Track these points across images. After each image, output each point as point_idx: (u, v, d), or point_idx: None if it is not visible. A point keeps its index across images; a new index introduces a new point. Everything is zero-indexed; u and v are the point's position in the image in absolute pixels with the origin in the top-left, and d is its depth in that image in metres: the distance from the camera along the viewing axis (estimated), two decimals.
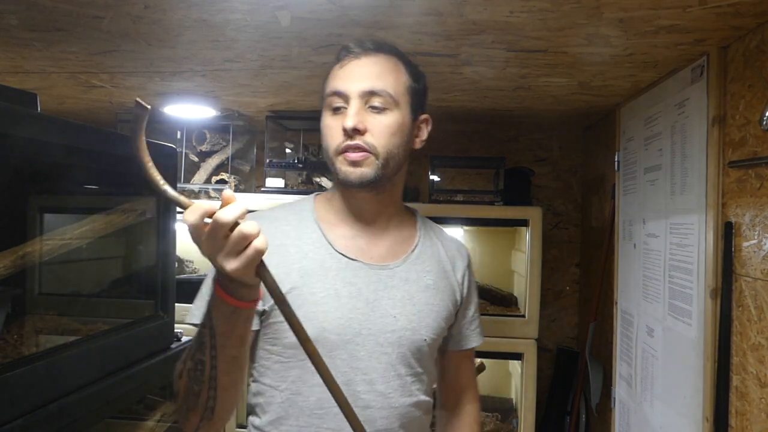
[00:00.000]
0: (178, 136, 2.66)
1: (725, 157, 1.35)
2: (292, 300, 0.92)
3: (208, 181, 2.66)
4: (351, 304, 0.96)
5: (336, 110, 0.97)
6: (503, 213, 2.31)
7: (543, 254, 2.27)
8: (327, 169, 1.03)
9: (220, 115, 2.51)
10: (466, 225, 2.54)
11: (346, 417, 0.81)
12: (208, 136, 2.68)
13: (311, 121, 2.36)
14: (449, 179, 2.79)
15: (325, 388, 0.93)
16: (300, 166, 2.50)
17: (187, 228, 0.69)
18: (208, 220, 0.69)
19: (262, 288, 0.76)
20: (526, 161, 2.81)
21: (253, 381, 1.02)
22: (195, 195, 2.54)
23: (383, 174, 0.96)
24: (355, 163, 0.95)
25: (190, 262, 2.69)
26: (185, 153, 2.71)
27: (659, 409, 1.66)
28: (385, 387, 0.96)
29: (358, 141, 0.94)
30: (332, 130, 0.97)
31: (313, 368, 0.93)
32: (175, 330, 1.55)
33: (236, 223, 0.68)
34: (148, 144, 0.74)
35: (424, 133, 1.06)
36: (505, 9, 1.18)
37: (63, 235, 1.39)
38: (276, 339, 0.96)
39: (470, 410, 1.19)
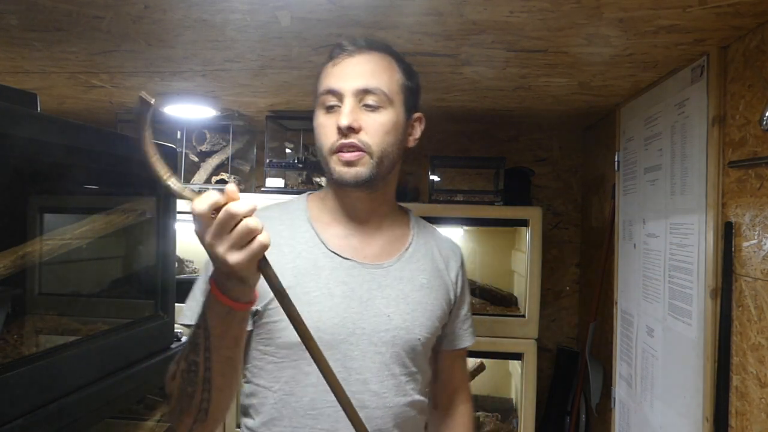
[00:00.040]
0: (178, 136, 2.66)
1: (725, 157, 1.35)
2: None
3: (208, 181, 2.66)
4: (345, 304, 0.96)
5: (330, 109, 0.97)
6: (503, 213, 2.31)
7: (543, 254, 2.27)
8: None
9: (220, 115, 2.51)
10: (466, 225, 2.54)
11: (348, 415, 0.80)
12: (208, 136, 2.68)
13: (311, 121, 2.35)
14: (449, 179, 2.79)
15: (318, 389, 0.93)
16: (300, 166, 2.50)
17: (192, 217, 0.69)
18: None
19: (257, 289, 0.76)
20: (526, 161, 2.81)
21: (246, 382, 1.01)
22: (195, 195, 2.53)
23: (378, 173, 0.96)
24: (349, 163, 0.94)
25: (190, 262, 2.69)
26: (185, 153, 2.72)
27: (659, 409, 1.66)
28: (379, 386, 0.96)
29: (352, 139, 0.93)
30: (326, 128, 0.96)
31: (306, 368, 0.93)
32: (175, 330, 1.55)
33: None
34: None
35: (418, 131, 1.06)
36: (505, 9, 1.18)
37: (63, 235, 1.39)
38: (269, 339, 0.96)
39: (464, 410, 1.19)
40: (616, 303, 2.08)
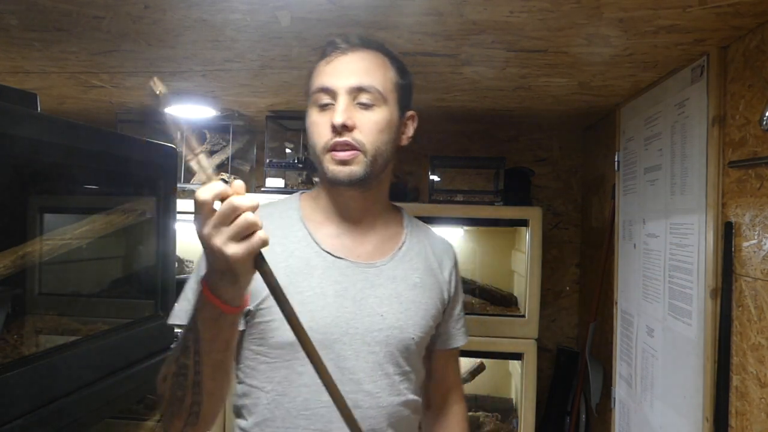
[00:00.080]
0: (179, 136, 2.66)
1: (725, 157, 1.35)
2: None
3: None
4: (338, 303, 0.95)
5: (323, 107, 0.96)
6: (503, 213, 2.30)
7: (543, 254, 2.27)
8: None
9: (220, 115, 2.51)
10: (466, 225, 2.54)
11: (343, 415, 0.80)
12: (208, 136, 2.68)
13: None
14: (449, 179, 2.79)
15: (311, 389, 0.92)
16: (300, 166, 2.50)
17: (194, 206, 0.68)
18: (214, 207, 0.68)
19: (250, 289, 0.75)
20: (526, 161, 2.81)
21: (239, 382, 1.00)
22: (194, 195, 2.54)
23: (371, 171, 0.95)
24: (343, 162, 0.94)
25: (190, 262, 2.69)
26: (185, 153, 2.71)
27: (659, 409, 1.66)
28: (372, 386, 0.95)
29: (346, 138, 0.93)
30: (319, 126, 0.95)
31: (299, 369, 0.93)
32: (175, 330, 1.55)
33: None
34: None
35: (411, 129, 1.05)
36: (505, 9, 1.18)
37: (63, 235, 1.39)
38: (262, 339, 0.95)
39: (458, 410, 1.18)
40: (616, 303, 2.08)
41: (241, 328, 0.95)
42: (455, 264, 1.14)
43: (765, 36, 1.20)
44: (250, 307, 0.94)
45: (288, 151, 2.66)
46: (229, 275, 0.70)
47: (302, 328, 0.74)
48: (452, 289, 1.11)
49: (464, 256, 2.71)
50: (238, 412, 1.00)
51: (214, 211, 0.67)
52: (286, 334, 0.91)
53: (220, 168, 2.72)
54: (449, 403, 1.18)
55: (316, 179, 2.61)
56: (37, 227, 1.36)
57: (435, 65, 1.62)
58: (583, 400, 2.51)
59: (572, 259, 2.85)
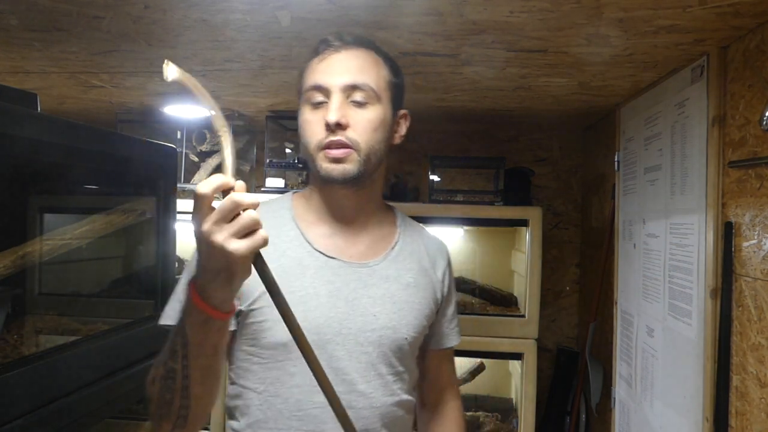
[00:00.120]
0: (178, 136, 2.66)
1: (725, 157, 1.35)
2: (271, 300, 0.91)
3: None
4: (330, 303, 0.94)
5: (316, 105, 0.95)
6: (503, 213, 2.30)
7: (543, 254, 2.27)
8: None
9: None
10: (466, 225, 2.54)
11: (337, 415, 0.79)
12: (208, 136, 2.68)
13: None
14: (449, 179, 2.79)
15: (303, 390, 0.91)
16: (300, 166, 2.50)
17: (194, 201, 0.66)
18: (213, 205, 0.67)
19: (241, 289, 0.74)
20: (526, 161, 2.81)
21: (231, 383, 0.99)
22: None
23: (365, 170, 0.95)
24: (337, 160, 0.93)
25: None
26: (185, 153, 2.72)
27: (659, 409, 1.66)
28: (366, 387, 0.95)
29: (340, 136, 0.92)
30: (313, 125, 0.94)
31: (291, 369, 0.92)
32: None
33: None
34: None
35: (403, 128, 1.05)
36: (505, 9, 1.18)
37: (63, 235, 1.39)
38: (254, 340, 0.94)
39: (453, 407, 1.18)
40: (616, 303, 2.08)
41: (232, 328, 0.94)
42: (449, 263, 1.13)
43: (765, 36, 1.20)
44: (242, 307, 0.93)
45: (288, 151, 2.66)
46: (225, 275, 0.68)
47: (300, 329, 0.74)
48: (445, 289, 1.11)
49: (464, 256, 2.71)
50: (231, 413, 0.99)
51: (213, 207, 0.66)
52: (278, 334, 0.91)
53: (220, 168, 2.72)
54: (444, 401, 1.18)
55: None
56: (37, 227, 1.36)
57: (435, 65, 1.62)
58: (583, 400, 2.51)
59: (572, 259, 2.85)
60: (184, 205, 1.85)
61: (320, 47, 0.98)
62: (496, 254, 2.72)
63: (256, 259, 0.69)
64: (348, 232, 1.02)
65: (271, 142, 2.55)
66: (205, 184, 0.65)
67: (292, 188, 2.55)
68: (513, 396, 2.66)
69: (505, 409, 2.54)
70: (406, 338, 0.99)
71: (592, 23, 1.24)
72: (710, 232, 1.37)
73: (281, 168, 2.53)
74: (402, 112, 1.04)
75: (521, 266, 2.41)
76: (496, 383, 2.73)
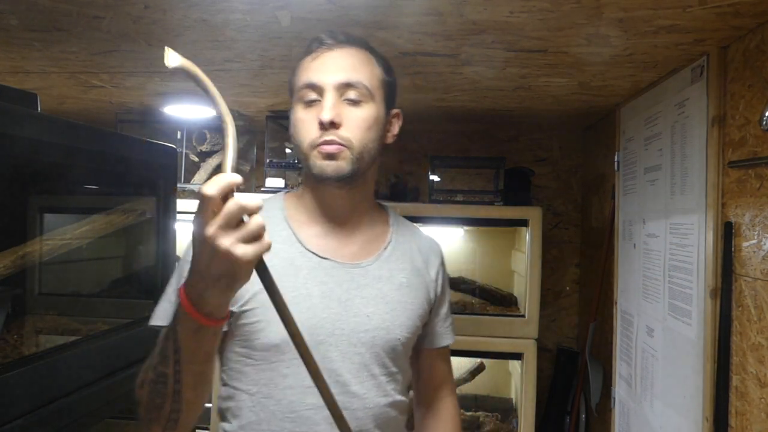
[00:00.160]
0: (178, 136, 2.66)
1: (725, 157, 1.35)
2: (263, 300, 0.87)
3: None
4: (323, 304, 0.94)
5: (309, 103, 0.94)
6: (503, 213, 2.30)
7: (543, 254, 2.27)
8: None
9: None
10: (466, 225, 2.54)
11: (333, 416, 0.79)
12: (208, 136, 2.68)
13: None
14: (449, 179, 2.79)
15: (296, 391, 0.91)
16: (300, 166, 2.50)
17: (199, 203, 0.63)
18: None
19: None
20: (526, 161, 2.81)
21: (223, 385, 0.98)
22: (195, 195, 2.54)
23: (358, 168, 0.94)
24: (330, 156, 0.92)
25: None
26: (185, 153, 2.72)
27: (659, 409, 1.66)
28: (359, 388, 0.94)
29: (333, 135, 0.91)
30: (306, 123, 0.94)
31: (284, 371, 0.91)
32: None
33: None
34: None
35: (396, 127, 1.04)
36: (505, 9, 1.18)
37: (63, 235, 1.39)
38: (246, 341, 0.93)
39: (449, 403, 1.17)
40: (616, 303, 2.08)
41: (224, 329, 0.92)
42: (442, 263, 1.12)
43: (765, 36, 1.20)
44: (234, 308, 0.92)
45: (288, 151, 2.66)
46: (227, 280, 0.66)
47: (300, 335, 0.73)
48: (439, 289, 1.10)
49: (464, 256, 2.71)
50: (223, 415, 0.98)
51: (218, 210, 0.63)
52: (271, 335, 0.90)
53: (220, 168, 2.72)
54: (439, 398, 1.17)
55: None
56: (37, 227, 1.36)
57: (435, 65, 1.62)
58: (583, 400, 2.51)
59: (572, 259, 2.85)
60: (184, 205, 1.86)
61: (313, 45, 0.97)
62: (496, 254, 2.72)
63: (258, 264, 0.68)
64: (341, 233, 1.01)
65: (271, 142, 2.55)
66: (211, 186, 0.62)
67: (292, 188, 2.55)
68: (513, 396, 2.66)
69: (505, 409, 2.54)
70: (399, 339, 0.98)
71: (592, 23, 1.24)
72: (710, 232, 1.37)
73: (281, 168, 2.54)
74: (395, 111, 1.03)
75: (521, 266, 2.41)
76: (496, 383, 2.73)
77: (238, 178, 0.63)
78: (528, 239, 2.25)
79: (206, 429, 2.18)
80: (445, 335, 1.14)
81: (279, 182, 2.50)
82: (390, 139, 1.03)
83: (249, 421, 0.93)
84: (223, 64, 1.68)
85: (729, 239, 1.30)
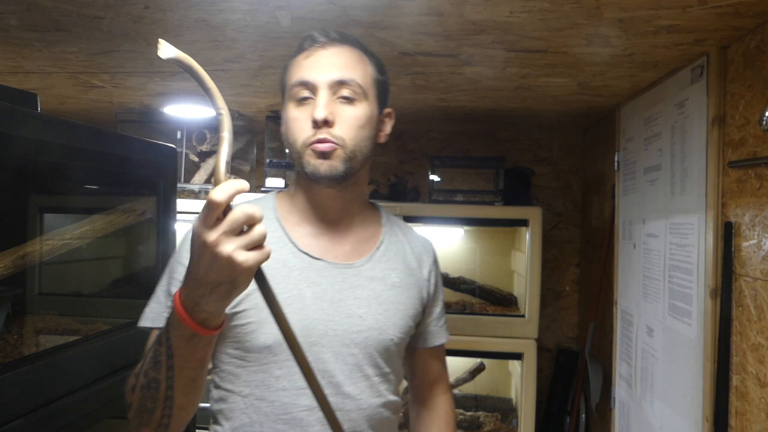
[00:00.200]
0: (178, 136, 2.67)
1: (725, 157, 1.35)
2: (256, 302, 0.89)
3: (208, 181, 2.66)
4: (316, 305, 0.93)
5: (302, 101, 0.93)
6: (503, 213, 2.31)
7: (543, 254, 2.27)
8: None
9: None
10: (466, 225, 2.54)
11: (327, 419, 0.79)
12: (208, 136, 2.68)
13: None
14: (449, 179, 2.79)
15: (289, 393, 0.91)
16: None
17: (205, 207, 0.63)
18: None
19: None
20: (526, 161, 2.81)
21: (215, 387, 0.97)
22: (195, 195, 2.54)
23: (350, 168, 0.93)
24: (323, 155, 0.91)
25: None
26: (185, 153, 2.72)
27: (659, 409, 1.66)
28: (352, 389, 0.94)
29: (326, 134, 0.90)
30: (299, 122, 0.92)
31: (277, 372, 0.91)
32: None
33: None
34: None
35: (388, 126, 1.03)
36: (505, 9, 1.18)
37: (63, 235, 1.39)
38: (238, 343, 0.92)
39: (443, 400, 1.17)
40: (616, 303, 2.08)
41: None
42: (435, 262, 1.12)
43: (765, 36, 1.20)
44: (226, 311, 0.92)
45: (288, 151, 2.66)
46: (226, 287, 0.66)
47: (298, 346, 0.73)
48: (432, 288, 1.09)
49: (464, 256, 2.71)
50: (215, 418, 0.97)
51: (222, 217, 0.63)
52: (263, 337, 0.90)
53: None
54: (434, 395, 1.17)
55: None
56: (37, 227, 1.36)
57: (435, 65, 1.62)
58: (583, 400, 2.51)
59: (572, 259, 2.85)
60: (184, 205, 1.86)
61: (306, 44, 0.96)
62: (496, 254, 2.72)
63: (258, 271, 0.68)
64: (333, 233, 1.00)
65: (271, 142, 2.55)
66: (221, 192, 0.62)
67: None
68: (513, 396, 2.66)
69: (505, 409, 2.54)
70: (393, 339, 0.98)
71: (592, 23, 1.24)
72: (710, 232, 1.37)
73: (281, 168, 2.54)
74: (387, 110, 1.03)
75: (521, 266, 2.41)
76: (496, 383, 2.73)
77: (246, 185, 0.63)
78: (528, 239, 2.25)
79: (207, 429, 2.18)
80: (439, 334, 1.13)
81: (279, 182, 2.50)
82: (382, 139, 1.02)
83: (242, 423, 0.93)
84: (223, 64, 1.68)
85: (729, 239, 1.30)
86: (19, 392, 1.04)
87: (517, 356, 2.28)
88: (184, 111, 2.41)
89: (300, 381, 0.76)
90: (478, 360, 2.46)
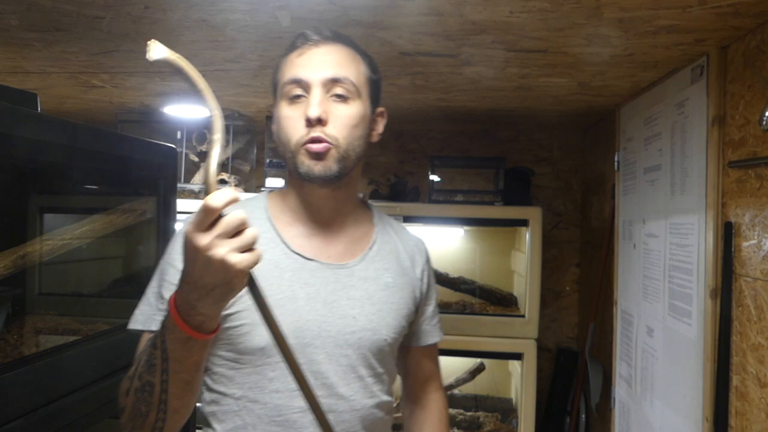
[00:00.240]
0: (178, 136, 2.67)
1: (725, 157, 1.35)
2: (249, 304, 0.86)
3: None
4: (309, 306, 0.92)
5: (294, 99, 0.92)
6: (503, 213, 2.31)
7: (543, 254, 2.27)
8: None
9: None
10: (466, 225, 2.54)
11: (318, 422, 0.79)
12: (208, 136, 2.68)
13: None
14: (449, 179, 2.79)
15: (283, 395, 0.90)
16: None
17: (201, 211, 0.63)
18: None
19: None
20: (526, 161, 2.81)
21: (207, 389, 0.96)
22: (195, 195, 2.54)
23: (344, 167, 0.92)
24: (318, 156, 0.90)
25: None
26: (185, 153, 2.72)
27: (659, 409, 1.66)
28: (346, 390, 0.93)
29: (319, 133, 0.89)
30: (293, 120, 0.91)
31: (270, 374, 0.90)
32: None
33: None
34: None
35: (381, 126, 1.03)
36: (505, 9, 1.18)
37: (63, 235, 1.39)
38: (230, 345, 0.91)
39: (436, 398, 1.17)
40: (616, 303, 2.08)
41: None
42: (427, 261, 1.12)
43: (765, 36, 1.20)
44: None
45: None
46: (221, 290, 0.66)
47: (287, 346, 0.73)
48: (425, 287, 1.09)
49: (464, 256, 2.71)
50: (206, 421, 0.97)
51: (216, 222, 0.64)
52: (256, 339, 0.89)
53: (220, 168, 2.72)
54: (427, 392, 1.17)
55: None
56: (37, 227, 1.36)
57: (435, 65, 1.62)
58: (583, 400, 2.51)
59: (572, 259, 2.85)
60: (184, 205, 1.85)
61: (298, 41, 0.95)
62: (496, 254, 2.72)
63: (250, 275, 0.68)
64: (326, 233, 1.00)
65: (271, 142, 2.55)
66: (217, 198, 0.63)
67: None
68: (513, 396, 2.66)
69: (505, 409, 2.54)
70: (386, 339, 0.97)
71: (592, 23, 1.24)
72: (710, 232, 1.37)
73: (281, 168, 2.53)
74: (380, 109, 1.02)
75: (521, 266, 2.41)
76: (496, 383, 2.73)
77: (238, 197, 0.64)
78: (528, 239, 2.25)
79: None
80: (432, 333, 1.13)
81: (279, 182, 2.50)
82: (375, 138, 1.01)
83: (235, 425, 0.92)
84: (223, 64, 1.68)
85: (729, 239, 1.30)
86: (19, 392, 1.04)
87: (517, 356, 2.28)
88: (184, 111, 2.41)
89: (294, 383, 0.76)
90: (478, 360, 2.46)
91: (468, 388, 2.58)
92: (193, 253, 0.65)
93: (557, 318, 2.85)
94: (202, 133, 2.69)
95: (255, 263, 0.66)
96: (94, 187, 1.54)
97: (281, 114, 0.94)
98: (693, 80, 1.48)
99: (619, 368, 2.04)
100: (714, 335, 1.34)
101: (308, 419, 0.88)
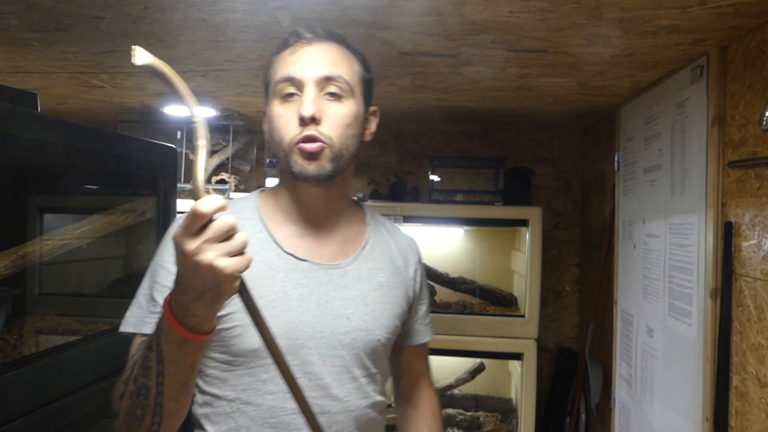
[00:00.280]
0: (178, 136, 2.67)
1: (725, 157, 1.35)
2: (241, 306, 0.89)
3: (208, 181, 2.67)
4: (302, 307, 0.92)
5: (287, 98, 0.91)
6: (503, 213, 2.31)
7: (543, 254, 2.27)
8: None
9: (220, 115, 2.51)
10: (466, 225, 2.54)
11: (309, 424, 0.78)
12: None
13: None
14: (449, 179, 2.79)
15: (276, 396, 0.89)
16: None
17: (190, 216, 0.63)
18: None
19: None
20: (526, 161, 2.81)
21: (200, 391, 0.95)
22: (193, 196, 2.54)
23: (337, 167, 0.92)
24: (311, 155, 0.89)
25: None
26: (185, 153, 2.72)
27: (659, 409, 1.66)
28: (340, 390, 0.93)
29: (313, 131, 0.89)
30: (286, 119, 0.90)
31: (263, 376, 0.90)
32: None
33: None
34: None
35: (373, 125, 1.02)
36: (505, 9, 1.18)
37: (63, 235, 1.39)
38: (223, 347, 0.91)
39: (427, 394, 1.17)
40: (616, 303, 2.08)
41: None
42: (419, 260, 1.11)
43: (765, 36, 1.20)
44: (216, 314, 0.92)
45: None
46: (212, 293, 0.66)
47: (278, 350, 0.72)
48: (417, 287, 1.09)
49: (464, 256, 2.71)
50: (199, 423, 0.95)
51: (205, 226, 0.63)
52: (249, 340, 0.89)
53: (220, 168, 2.72)
54: (418, 389, 1.17)
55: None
56: (37, 227, 1.36)
57: (435, 65, 1.62)
58: (583, 400, 2.51)
59: (572, 259, 2.85)
60: (184, 205, 1.86)
61: (290, 40, 0.95)
62: (496, 254, 2.72)
63: (241, 279, 0.68)
64: (318, 233, 0.99)
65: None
66: (208, 204, 0.62)
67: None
68: (513, 396, 2.66)
69: (505, 409, 2.55)
70: (380, 339, 0.97)
71: (592, 23, 1.24)
72: (710, 232, 1.37)
73: None
74: (372, 108, 1.02)
75: (521, 266, 2.41)
76: (496, 383, 2.73)
77: (226, 203, 0.64)
78: (528, 239, 2.25)
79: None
80: (423, 332, 1.13)
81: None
82: (368, 137, 1.01)
83: (228, 427, 0.91)
84: (223, 64, 1.68)
85: (729, 239, 1.30)
86: (19, 392, 1.04)
87: (517, 356, 2.28)
88: (184, 111, 2.40)
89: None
90: (478, 360, 2.46)
91: (468, 388, 2.58)
92: (182, 258, 0.65)
93: (557, 318, 2.85)
94: None
95: (244, 268, 0.66)
96: (94, 187, 1.54)
97: (274, 112, 0.93)
98: (693, 80, 1.48)
99: (619, 368, 2.04)
100: (714, 335, 1.34)
101: (302, 421, 0.87)
